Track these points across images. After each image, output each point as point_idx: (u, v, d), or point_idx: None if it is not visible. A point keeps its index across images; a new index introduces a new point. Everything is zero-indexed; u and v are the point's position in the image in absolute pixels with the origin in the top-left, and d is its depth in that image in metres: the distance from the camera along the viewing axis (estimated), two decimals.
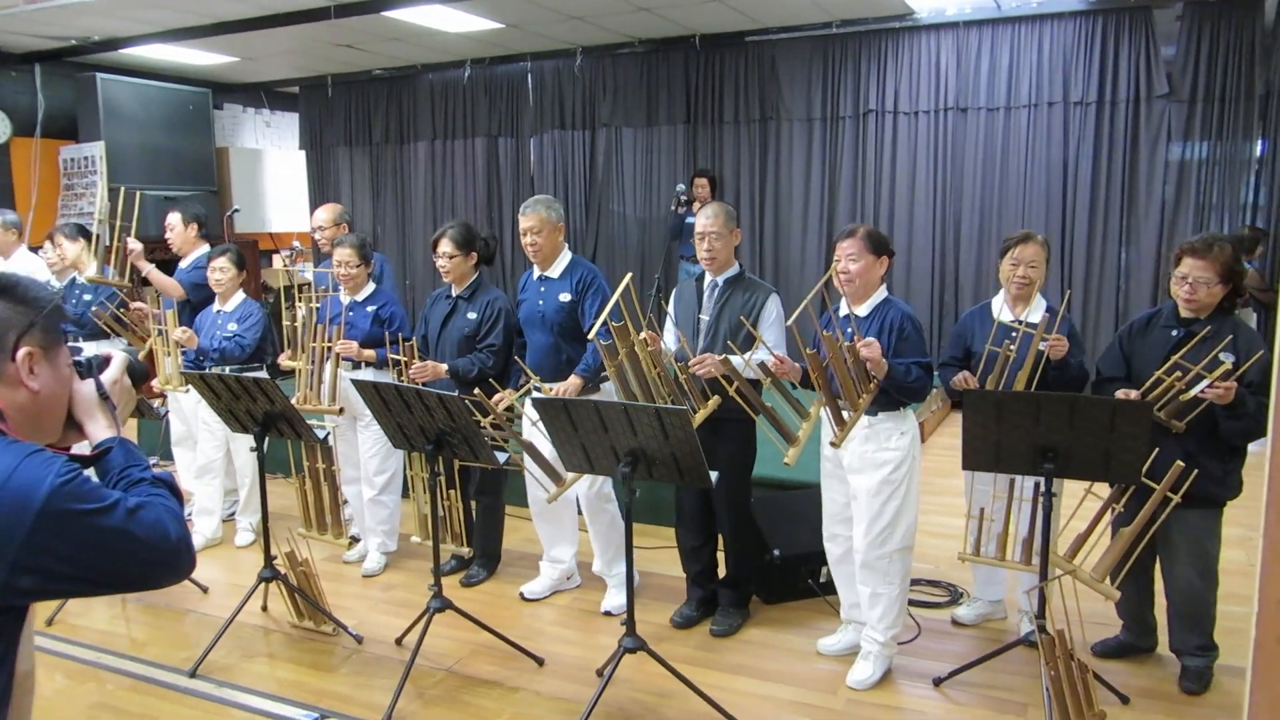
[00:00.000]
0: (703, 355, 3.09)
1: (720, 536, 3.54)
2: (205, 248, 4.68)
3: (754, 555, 3.57)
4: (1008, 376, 3.05)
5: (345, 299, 4.02)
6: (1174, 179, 6.36)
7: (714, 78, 7.65)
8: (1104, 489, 2.90)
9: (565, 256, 3.68)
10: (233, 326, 4.25)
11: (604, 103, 8.09)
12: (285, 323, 4.01)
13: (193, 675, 3.21)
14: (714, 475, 2.71)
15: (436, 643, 3.32)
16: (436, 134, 8.83)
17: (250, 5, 6.17)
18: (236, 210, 8.09)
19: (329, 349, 3.85)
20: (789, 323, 2.99)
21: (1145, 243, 6.46)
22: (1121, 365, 3.02)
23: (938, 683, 3.05)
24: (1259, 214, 6.24)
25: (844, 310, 3.07)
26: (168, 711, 3.03)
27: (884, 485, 2.95)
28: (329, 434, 3.60)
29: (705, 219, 3.31)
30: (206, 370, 3.83)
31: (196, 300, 4.55)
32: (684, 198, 6.95)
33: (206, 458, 4.46)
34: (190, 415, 4.57)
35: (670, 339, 3.38)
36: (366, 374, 3.86)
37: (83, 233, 4.92)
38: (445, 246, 3.77)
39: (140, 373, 1.51)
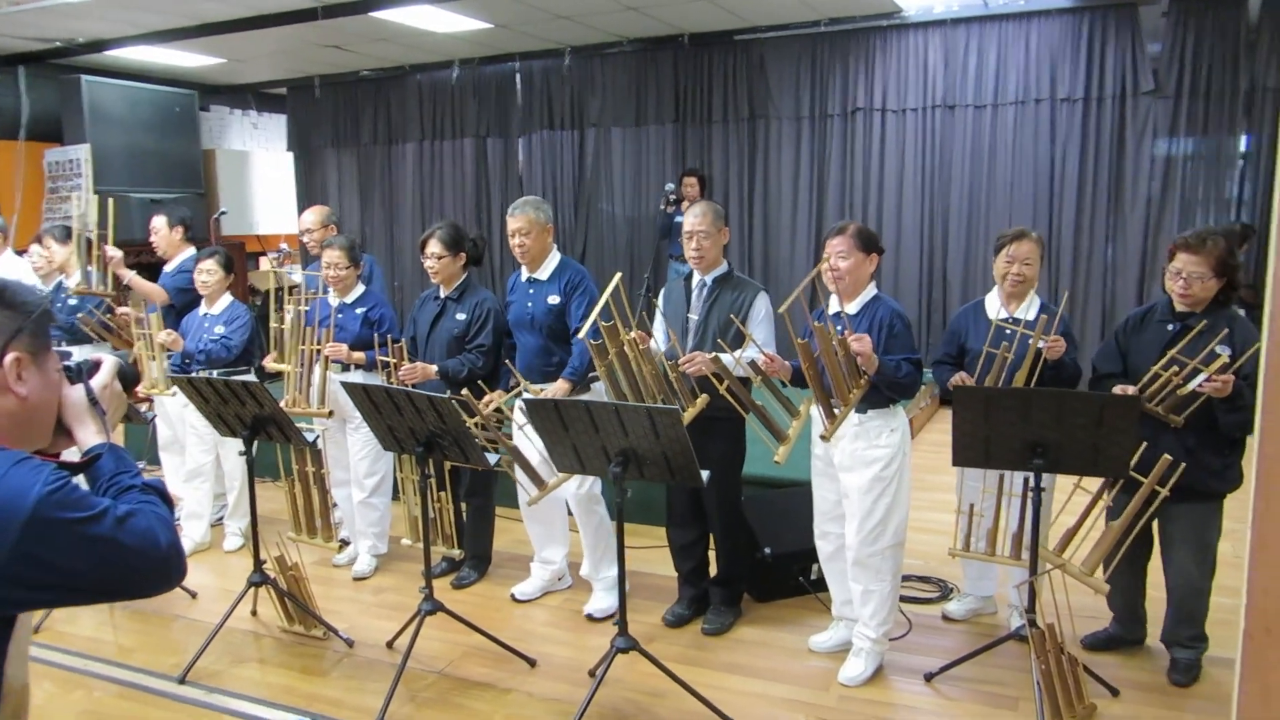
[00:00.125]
0: (692, 353, 3.09)
1: (711, 535, 3.55)
2: (191, 251, 4.66)
3: (745, 553, 3.57)
4: (1005, 376, 3.05)
5: (334, 301, 4.01)
6: (1160, 175, 6.41)
7: (703, 77, 7.65)
8: (1092, 483, 2.91)
9: (554, 258, 3.67)
10: (219, 329, 4.23)
11: (593, 102, 8.08)
12: (273, 325, 3.99)
13: (182, 681, 3.18)
14: (705, 474, 2.71)
15: (428, 645, 3.31)
16: (425, 135, 8.81)
17: (236, 6, 6.14)
18: (223, 213, 8.06)
19: (318, 352, 3.83)
20: (781, 310, 2.98)
21: (1131, 239, 6.50)
22: (1118, 361, 3.03)
23: (929, 678, 3.06)
24: (1243, 209, 6.28)
25: (834, 308, 3.07)
26: (157, 718, 3.01)
27: (875, 483, 2.96)
28: (318, 437, 3.58)
29: (693, 218, 3.31)
30: (194, 374, 3.81)
31: (180, 304, 4.53)
32: (673, 197, 6.93)
33: (196, 462, 4.43)
34: (176, 420, 4.55)
35: (660, 337, 3.38)
36: (356, 376, 3.85)
37: (73, 236, 4.89)
38: (433, 247, 3.76)
39: (131, 377, 1.49)
